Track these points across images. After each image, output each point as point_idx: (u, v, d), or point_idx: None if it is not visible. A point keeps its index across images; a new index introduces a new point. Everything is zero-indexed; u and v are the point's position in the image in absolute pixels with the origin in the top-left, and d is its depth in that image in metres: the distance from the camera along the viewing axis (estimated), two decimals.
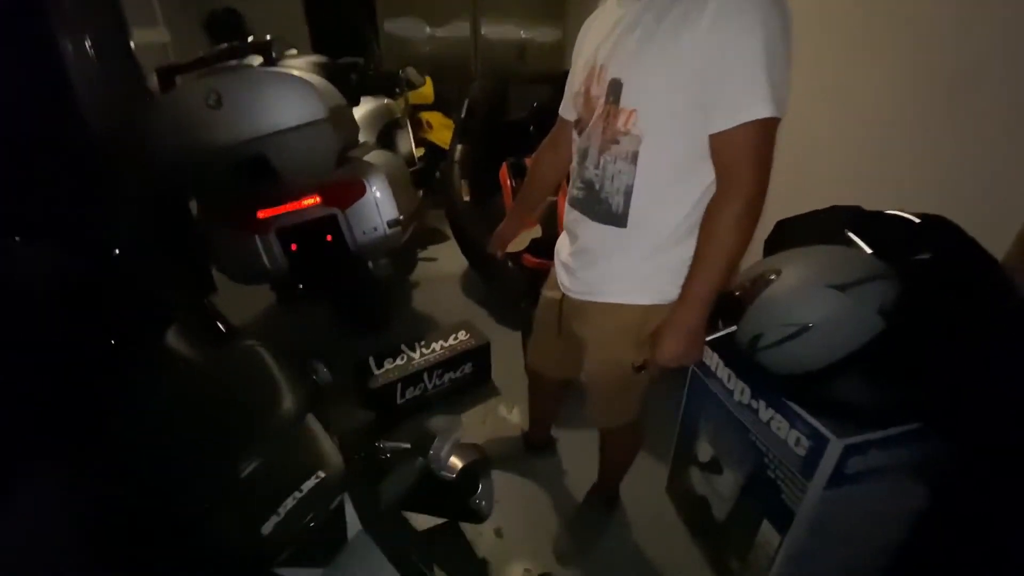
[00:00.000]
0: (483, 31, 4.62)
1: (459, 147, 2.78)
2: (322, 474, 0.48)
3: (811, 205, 1.32)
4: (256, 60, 1.75)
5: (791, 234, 1.32)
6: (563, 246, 1.12)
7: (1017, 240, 1.18)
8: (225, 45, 1.81)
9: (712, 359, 1.24)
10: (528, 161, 2.44)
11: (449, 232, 2.98)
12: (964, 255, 1.05)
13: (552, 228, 2.11)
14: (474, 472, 0.94)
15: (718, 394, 1.23)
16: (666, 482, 1.58)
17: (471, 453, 0.96)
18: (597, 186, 0.93)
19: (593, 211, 0.96)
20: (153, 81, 1.80)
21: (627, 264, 0.96)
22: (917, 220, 1.12)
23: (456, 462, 0.95)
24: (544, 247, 2.22)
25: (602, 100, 0.87)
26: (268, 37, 1.76)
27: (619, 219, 0.92)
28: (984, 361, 0.93)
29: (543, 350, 1.34)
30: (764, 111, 0.73)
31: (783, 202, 1.80)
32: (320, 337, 2.39)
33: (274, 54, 1.74)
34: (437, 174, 3.53)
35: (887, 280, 0.93)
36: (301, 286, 2.15)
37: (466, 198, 2.66)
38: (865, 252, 1.03)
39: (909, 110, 1.49)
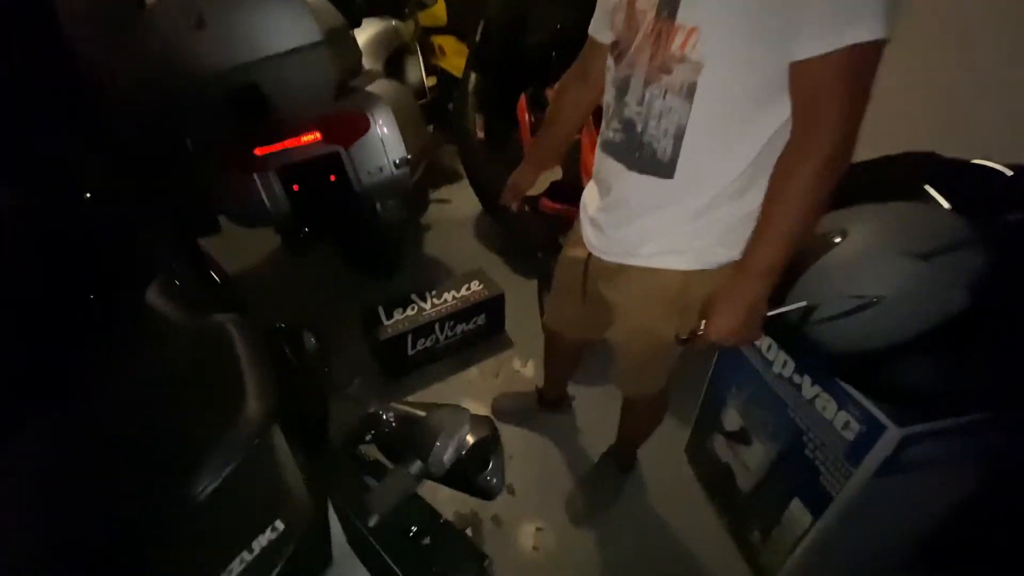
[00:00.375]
0: None
1: (472, 76, 2.53)
2: (280, 526, 0.39)
3: (880, 147, 1.13)
4: None
5: (857, 184, 1.13)
6: (591, 199, 0.96)
7: None
8: None
9: None
10: (549, 93, 2.21)
11: (462, 171, 2.80)
12: None
13: (574, 169, 1.93)
14: (484, 449, 0.87)
15: (754, 363, 1.12)
16: (686, 442, 1.51)
17: (481, 428, 0.88)
18: (639, 127, 0.76)
19: (632, 158, 0.79)
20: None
21: (670, 222, 0.81)
22: (1010, 172, 0.94)
23: (468, 439, 0.87)
24: (565, 190, 2.05)
25: (651, 15, 0.68)
26: None
27: (665, 168, 0.76)
28: None
29: (563, 311, 1.22)
30: (873, 31, 0.56)
31: None
32: (328, 283, 2.31)
33: None
34: (450, 106, 3.29)
35: (977, 248, 0.77)
36: (306, 229, 2.04)
37: (480, 135, 2.44)
38: (949, 212, 0.86)
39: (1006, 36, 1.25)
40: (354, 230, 2.10)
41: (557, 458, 1.55)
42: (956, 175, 0.99)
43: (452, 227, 2.76)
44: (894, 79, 1.48)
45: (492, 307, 1.92)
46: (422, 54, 3.15)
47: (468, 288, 1.91)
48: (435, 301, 1.85)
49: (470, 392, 1.79)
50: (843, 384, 0.89)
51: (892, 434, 0.82)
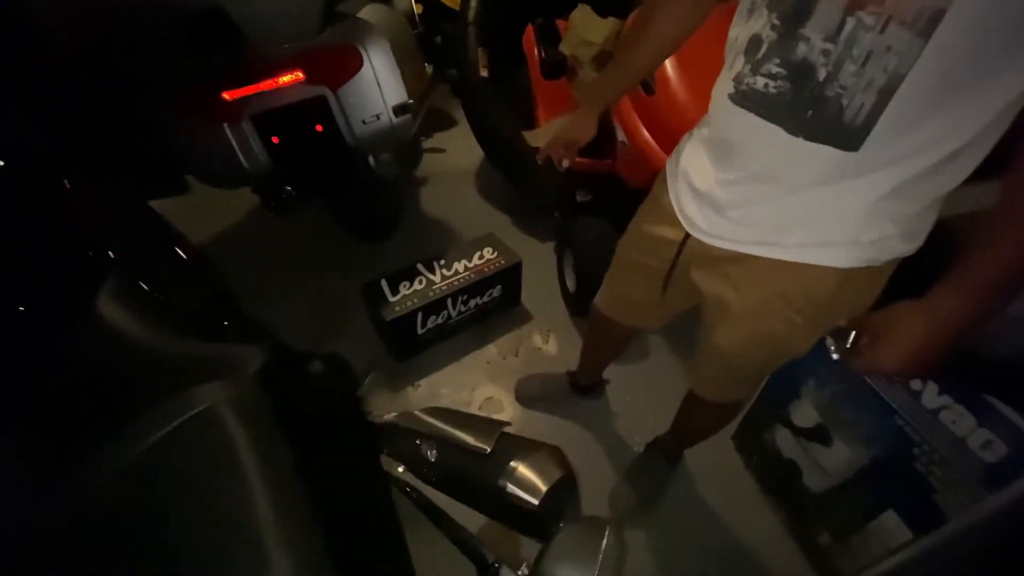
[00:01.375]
0: None
1: (473, 4, 2.16)
2: None
3: None
4: None
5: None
6: (698, 166, 0.73)
7: None
8: None
9: None
10: (561, 23, 1.90)
11: (458, 115, 2.48)
12: None
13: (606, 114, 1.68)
14: (560, 495, 0.70)
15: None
16: (735, 429, 1.38)
17: (553, 468, 0.70)
18: (822, 74, 0.53)
19: (801, 118, 0.56)
20: None
21: (840, 206, 0.60)
22: None
23: (538, 483, 0.70)
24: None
25: None
26: None
27: (851, 136, 0.53)
28: None
29: (629, 297, 1.01)
30: None
31: None
32: (318, 250, 2.05)
33: None
34: (438, 38, 2.90)
35: None
36: (288, 189, 1.75)
37: (484, 73, 2.12)
38: None
39: None
40: (345, 188, 1.82)
41: (595, 449, 1.41)
42: None
43: (451, 180, 2.48)
44: None
45: (509, 277, 1.71)
46: None
47: (481, 256, 1.69)
48: (445, 272, 1.63)
49: (489, 373, 1.61)
50: (989, 397, 0.73)
51: None
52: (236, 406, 0.39)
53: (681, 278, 0.83)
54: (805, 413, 1.10)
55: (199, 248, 1.34)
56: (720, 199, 0.68)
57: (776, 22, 0.55)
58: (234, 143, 1.50)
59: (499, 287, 1.70)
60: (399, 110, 1.51)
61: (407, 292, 1.57)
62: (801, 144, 0.57)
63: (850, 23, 0.49)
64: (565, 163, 1.02)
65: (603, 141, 1.57)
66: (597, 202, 1.72)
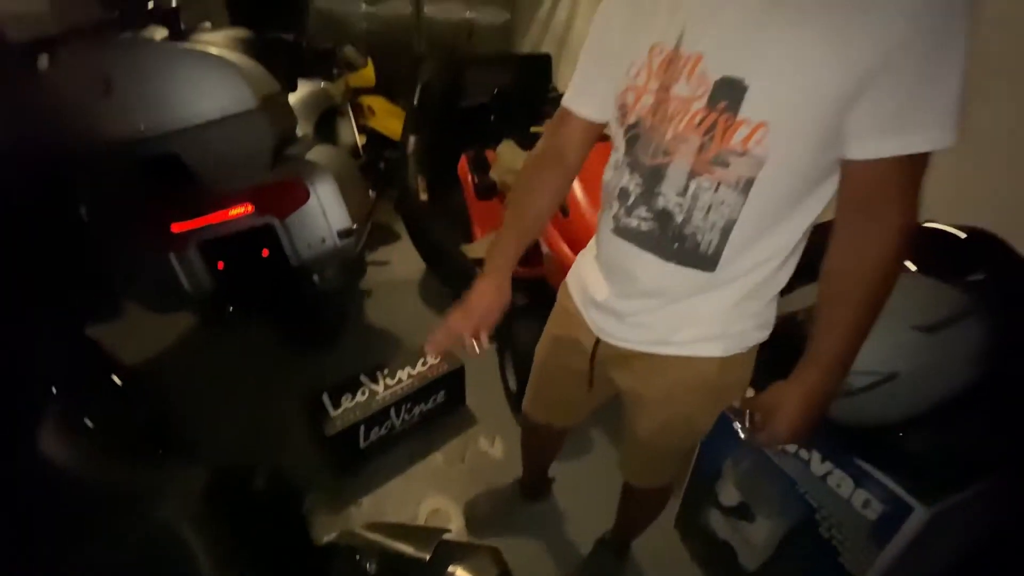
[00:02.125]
0: (425, 9, 4.25)
1: (412, 138, 2.46)
2: None
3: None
4: (159, 33, 1.37)
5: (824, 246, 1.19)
6: (596, 283, 0.86)
7: None
8: (116, 12, 1.40)
9: (748, 391, 1.08)
10: (489, 153, 2.19)
11: (400, 230, 2.68)
12: (1017, 274, 0.94)
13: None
14: None
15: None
16: (675, 518, 1.43)
17: (491, 568, 0.73)
18: (679, 219, 0.68)
19: (668, 249, 0.71)
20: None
21: (709, 310, 0.75)
22: (962, 235, 1.00)
23: None
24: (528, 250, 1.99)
25: (701, 105, 0.61)
26: (174, 3, 1.38)
27: (707, 261, 0.69)
28: None
29: (556, 400, 1.09)
30: (949, 138, 0.54)
31: None
32: (257, 364, 2.03)
33: (183, 26, 1.37)
34: (381, 165, 3.19)
35: (976, 318, 0.79)
36: (231, 308, 1.79)
37: (423, 196, 2.36)
38: (942, 284, 0.88)
39: None
40: (289, 305, 1.88)
41: (546, 551, 1.40)
42: (917, 237, 1.05)
43: (395, 290, 2.60)
44: None
45: (452, 382, 1.77)
46: (352, 115, 3.06)
47: (424, 363, 1.75)
48: (388, 382, 1.67)
49: (437, 484, 1.60)
50: (859, 461, 0.86)
51: (920, 514, 0.79)
52: (182, 528, 0.43)
53: (600, 374, 0.94)
54: (728, 492, 1.18)
55: (134, 370, 1.33)
56: (617, 309, 0.81)
57: (639, 180, 0.71)
58: (179, 270, 1.56)
59: (443, 392, 1.75)
60: (343, 234, 1.65)
61: (349, 405, 1.58)
62: (673, 267, 0.72)
63: (693, 185, 0.66)
64: (473, 347, 0.84)
65: (534, 250, 1.77)
66: (533, 305, 1.87)
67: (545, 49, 3.96)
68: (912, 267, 0.96)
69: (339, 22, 4.13)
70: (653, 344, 0.80)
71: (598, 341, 0.88)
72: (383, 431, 1.63)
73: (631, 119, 0.70)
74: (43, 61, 1.28)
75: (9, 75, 1.36)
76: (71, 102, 1.22)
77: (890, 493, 0.82)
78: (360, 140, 3.07)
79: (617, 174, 0.76)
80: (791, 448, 0.99)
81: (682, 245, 0.70)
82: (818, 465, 0.93)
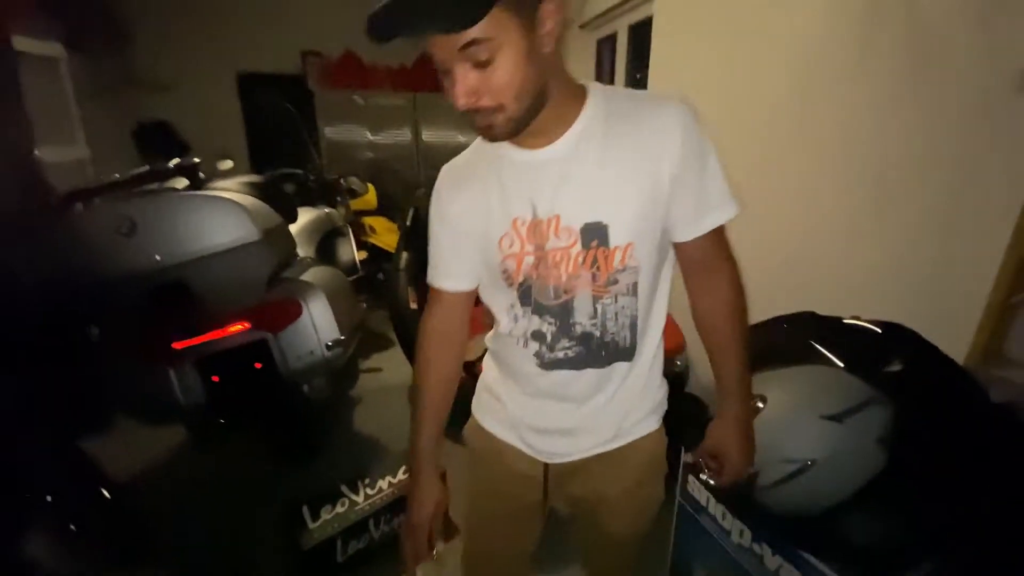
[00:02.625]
0: (424, 136, 4.82)
1: (404, 255, 2.70)
2: None
3: (755, 307, 1.31)
4: (181, 183, 1.63)
5: (758, 343, 1.29)
6: (535, 414, 0.89)
7: (975, 341, 1.20)
8: (145, 168, 1.67)
9: (701, 493, 1.12)
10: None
11: (394, 337, 2.81)
12: (931, 363, 1.03)
13: None
14: None
15: (713, 534, 1.10)
16: None
17: None
18: (598, 333, 0.81)
19: (597, 360, 0.82)
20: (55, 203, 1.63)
21: (638, 390, 0.86)
22: (879, 329, 1.11)
23: None
24: None
25: (579, 248, 0.76)
26: (195, 159, 1.65)
27: (628, 353, 0.83)
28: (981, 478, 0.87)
29: (506, 557, 1.05)
30: (733, 211, 0.78)
31: None
32: (242, 473, 2.05)
33: (202, 175, 1.63)
34: (380, 276, 3.42)
35: (878, 404, 0.87)
36: (222, 421, 1.86)
37: (413, 305, 2.52)
38: (846, 374, 0.98)
39: (839, 210, 1.58)
40: (277, 416, 1.95)
41: None
42: (837, 333, 1.16)
43: (384, 397, 2.66)
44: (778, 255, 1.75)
45: None
46: (354, 232, 3.35)
47: (405, 471, 1.77)
48: (368, 491, 1.68)
49: None
50: (800, 552, 0.89)
51: None
52: None
53: (553, 495, 0.96)
54: None
55: (119, 483, 1.38)
56: (567, 427, 0.88)
57: (550, 319, 0.80)
58: (176, 384, 1.67)
59: None
60: (332, 345, 1.78)
61: (328, 516, 1.58)
62: (605, 369, 0.83)
63: (599, 306, 0.79)
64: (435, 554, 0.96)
65: None
66: None
67: None
68: (837, 361, 1.07)
69: (347, 151, 4.67)
70: (607, 443, 0.88)
71: (546, 466, 0.92)
72: (361, 544, 1.60)
73: (520, 279, 0.80)
74: (78, 207, 1.52)
75: (47, 219, 1.60)
76: (98, 241, 1.42)
77: None
78: (360, 256, 3.34)
79: (522, 322, 0.83)
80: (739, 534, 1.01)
81: (607, 351, 0.82)
82: (770, 559, 0.94)
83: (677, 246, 0.81)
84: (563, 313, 0.81)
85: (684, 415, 1.06)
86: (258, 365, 1.74)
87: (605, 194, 0.74)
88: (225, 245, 1.52)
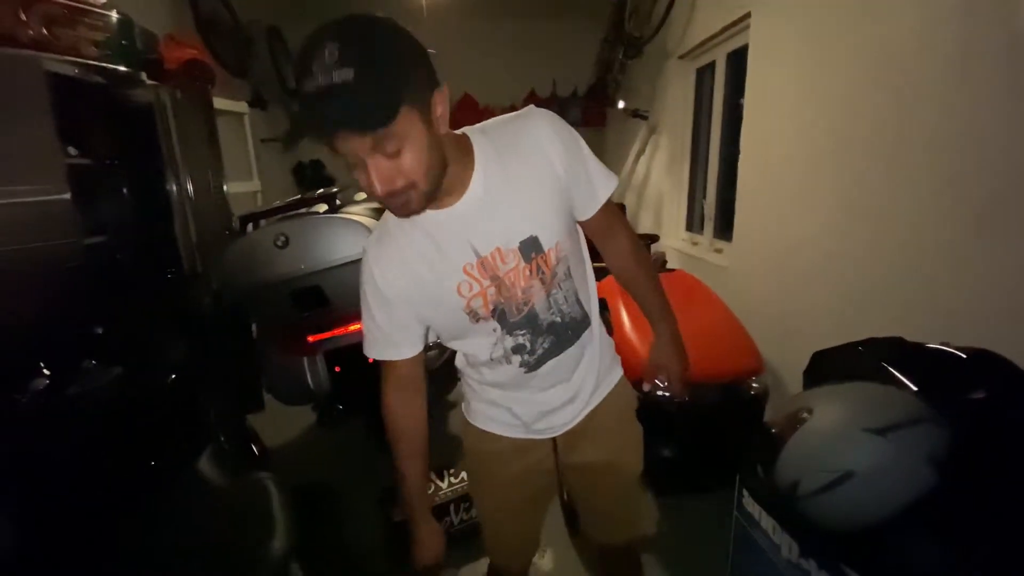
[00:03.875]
0: None
1: None
2: None
3: (848, 334, 1.27)
4: (322, 208, 2.03)
5: (829, 366, 1.26)
6: (543, 401, 1.01)
7: None
8: (298, 196, 2.12)
9: (754, 507, 1.13)
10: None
11: None
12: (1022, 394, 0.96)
13: None
14: None
15: (765, 549, 1.09)
16: None
17: None
18: (559, 318, 0.94)
19: (567, 339, 0.96)
20: (236, 224, 2.12)
21: (599, 348, 1.03)
22: (964, 355, 1.05)
23: None
24: None
25: (521, 265, 0.87)
26: (334, 189, 2.05)
27: (584, 321, 0.99)
28: None
29: (525, 534, 1.19)
30: (613, 184, 0.98)
31: (821, 332, 1.74)
32: (355, 456, 2.38)
33: (338, 202, 2.01)
34: None
35: (932, 423, 0.85)
36: (341, 407, 2.21)
37: None
38: (906, 392, 0.95)
39: (941, 235, 1.47)
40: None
41: None
42: (916, 357, 1.11)
43: None
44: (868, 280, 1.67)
45: None
46: None
47: None
48: (452, 480, 1.88)
49: None
50: (847, 569, 0.88)
51: None
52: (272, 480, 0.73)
53: (569, 463, 1.08)
54: None
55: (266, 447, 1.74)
56: (567, 398, 1.01)
57: (523, 331, 0.92)
58: (307, 371, 2.04)
59: None
60: (428, 347, 2.03)
61: None
62: (575, 343, 0.98)
63: (551, 300, 0.92)
64: None
65: None
66: None
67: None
68: (911, 385, 1.03)
69: None
70: (595, 397, 1.05)
71: (555, 444, 1.05)
72: (442, 527, 1.78)
73: (491, 307, 0.89)
74: (250, 227, 1.99)
75: (229, 236, 2.09)
76: (261, 252, 1.84)
77: None
78: None
79: (500, 344, 0.93)
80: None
81: (572, 328, 0.97)
82: (816, 573, 0.94)
83: (583, 223, 0.98)
84: (530, 320, 0.92)
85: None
86: (371, 360, 2.05)
87: (524, 212, 0.87)
88: (351, 257, 1.86)
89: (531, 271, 0.88)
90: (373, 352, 0.99)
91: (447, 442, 2.53)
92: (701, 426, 1.72)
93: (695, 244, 3.39)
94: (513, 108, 4.21)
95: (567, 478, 1.13)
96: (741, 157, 2.55)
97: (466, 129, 0.89)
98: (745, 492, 1.18)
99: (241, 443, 1.49)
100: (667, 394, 1.12)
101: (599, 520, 1.21)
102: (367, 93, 0.63)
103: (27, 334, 1.30)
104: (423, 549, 1.08)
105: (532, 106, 0.91)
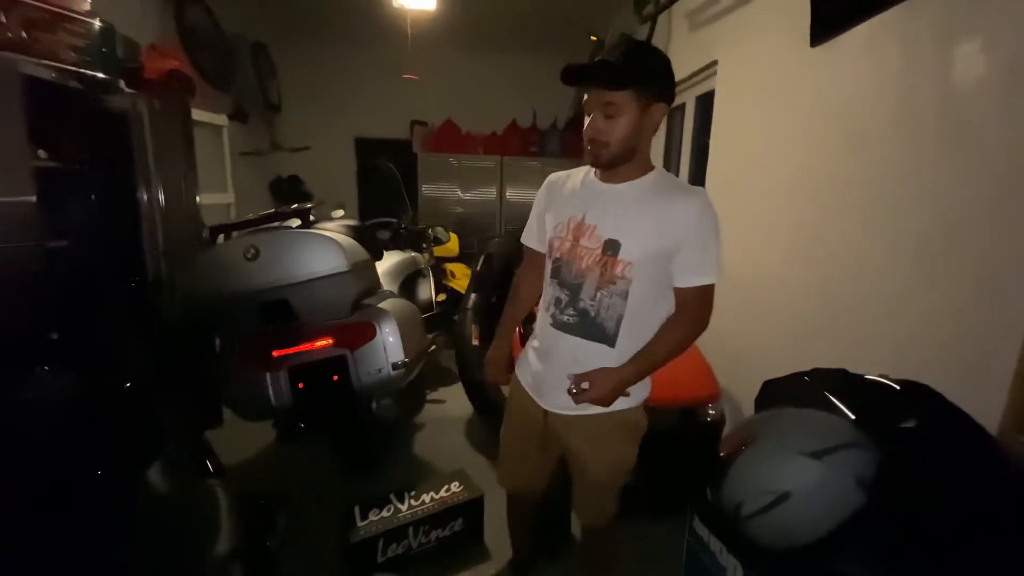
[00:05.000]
0: (507, 194, 5.24)
1: (473, 296, 2.98)
2: None
3: (796, 364, 1.34)
4: (295, 222, 2.04)
5: (777, 394, 1.32)
6: (540, 366, 1.25)
7: (1008, 408, 1.15)
8: (271, 210, 2.12)
9: (703, 530, 1.16)
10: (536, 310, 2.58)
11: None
12: (951, 424, 1.03)
13: None
14: None
15: (713, 572, 1.12)
16: None
17: None
18: (593, 314, 1.14)
19: (587, 332, 1.15)
20: (206, 234, 2.11)
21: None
22: (897, 387, 1.12)
23: None
24: None
25: (597, 252, 1.11)
26: (308, 204, 2.07)
27: (609, 339, 1.14)
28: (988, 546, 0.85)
29: (521, 468, 1.46)
30: (714, 279, 1.10)
31: (776, 363, 1.82)
32: (313, 475, 2.32)
33: (312, 217, 2.03)
34: (456, 317, 3.72)
35: (862, 448, 0.90)
36: (302, 425, 2.16)
37: (475, 342, 2.76)
38: (842, 418, 1.01)
39: (885, 271, 1.57)
40: (347, 426, 2.22)
41: None
42: (855, 388, 1.18)
43: (443, 426, 2.87)
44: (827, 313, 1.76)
45: (471, 510, 1.90)
46: (435, 276, 3.72)
47: (448, 489, 1.93)
48: (412, 502, 1.86)
49: None
50: None
51: None
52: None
53: (551, 442, 1.32)
54: None
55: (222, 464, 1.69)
56: (549, 383, 1.20)
57: (566, 292, 1.15)
58: (270, 387, 2.00)
59: (461, 520, 1.88)
60: (396, 366, 2.03)
61: (374, 518, 1.77)
62: (590, 343, 1.13)
63: (598, 295, 1.10)
64: (500, 378, 1.46)
65: None
66: None
67: None
68: (849, 413, 1.10)
69: (440, 206, 5.20)
70: (588, 407, 1.15)
71: (546, 413, 1.24)
72: (400, 549, 1.76)
73: (556, 255, 1.20)
74: (220, 239, 1.97)
75: (199, 246, 2.06)
76: (230, 263, 1.83)
77: None
78: (440, 297, 3.69)
79: (550, 289, 1.22)
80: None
81: (596, 329, 1.13)
82: None
83: (674, 290, 1.12)
84: (575, 289, 1.14)
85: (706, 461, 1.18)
86: (335, 378, 2.03)
87: (629, 227, 1.09)
88: (322, 272, 1.87)
89: (598, 262, 1.10)
90: (524, 238, 1.37)
91: (410, 463, 2.50)
92: (658, 450, 1.75)
93: None
94: (494, 135, 4.33)
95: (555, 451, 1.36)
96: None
97: (658, 166, 1.16)
98: (695, 517, 1.21)
99: (197, 457, 1.45)
100: (572, 390, 1.14)
101: (575, 497, 1.41)
102: (617, 69, 1.02)
103: None
104: (497, 349, 1.45)
105: (703, 188, 1.10)
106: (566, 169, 1.31)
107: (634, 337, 1.13)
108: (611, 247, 1.09)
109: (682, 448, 1.75)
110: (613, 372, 1.14)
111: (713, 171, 2.61)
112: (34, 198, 1.46)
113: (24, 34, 1.65)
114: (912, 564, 0.84)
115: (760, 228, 2.16)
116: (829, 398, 1.14)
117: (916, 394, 1.09)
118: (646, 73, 1.05)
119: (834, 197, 1.77)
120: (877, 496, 0.87)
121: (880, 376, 1.19)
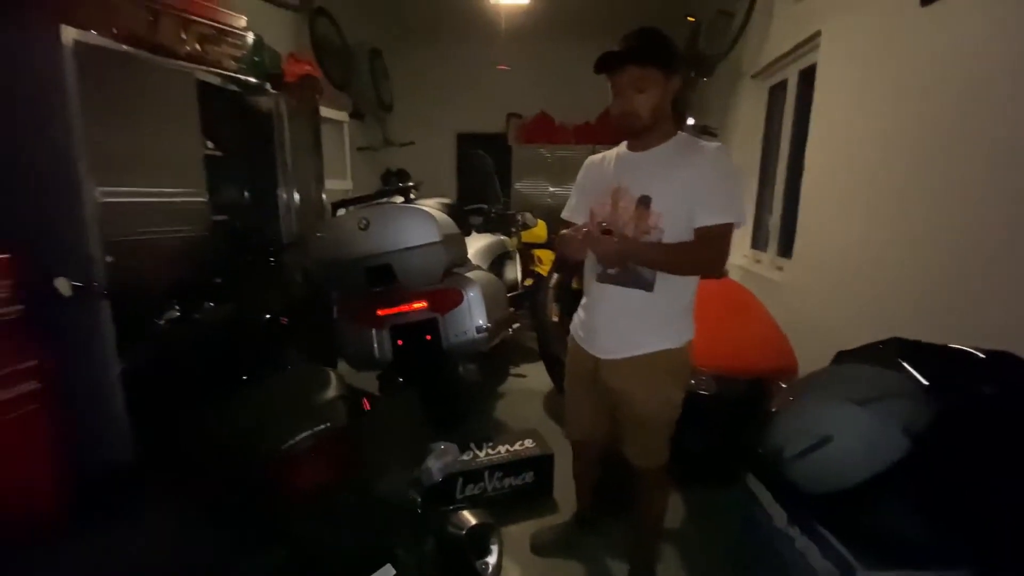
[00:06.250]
0: None
1: (555, 276, 3.11)
2: None
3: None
4: (399, 199, 2.33)
5: (849, 361, 1.30)
6: (592, 320, 1.37)
7: None
8: (380, 189, 2.45)
9: (756, 484, 1.20)
10: None
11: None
12: None
13: None
14: (484, 534, 1.01)
15: (762, 522, 1.16)
16: None
17: (484, 516, 1.04)
18: (632, 264, 1.26)
19: (628, 280, 1.27)
20: (328, 208, 2.49)
21: (656, 320, 1.27)
22: (982, 355, 1.07)
23: (469, 519, 1.03)
24: None
25: (632, 206, 1.24)
26: (411, 183, 2.35)
27: (648, 284, 1.25)
28: None
29: (582, 417, 1.55)
30: (729, 219, 1.18)
31: (848, 335, 1.73)
32: (405, 422, 2.62)
33: (413, 196, 2.30)
34: (538, 297, 3.89)
35: (911, 399, 0.90)
36: (401, 379, 2.46)
37: (554, 319, 2.89)
38: (891, 372, 1.00)
39: (974, 247, 1.44)
40: (436, 383, 2.49)
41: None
42: (932, 355, 1.13)
43: (523, 397, 3.04)
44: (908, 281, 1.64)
45: (541, 465, 2.05)
46: (523, 262, 3.92)
47: (521, 444, 2.10)
48: (489, 451, 2.05)
49: (508, 546, 1.81)
50: (820, 528, 0.94)
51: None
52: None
53: (603, 388, 1.40)
54: None
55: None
56: (607, 329, 1.32)
57: None
58: (375, 342, 2.32)
59: (532, 472, 2.03)
60: (479, 330, 2.24)
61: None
62: (631, 291, 1.24)
63: None
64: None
65: None
66: None
67: None
68: (921, 377, 1.07)
69: (530, 198, 5.40)
70: (633, 349, 1.28)
71: (597, 362, 1.36)
72: (476, 490, 1.96)
73: (598, 219, 1.33)
74: (340, 211, 2.33)
75: (320, 221, 2.44)
76: (346, 232, 2.16)
77: (839, 555, 0.88)
78: (528, 282, 3.88)
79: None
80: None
81: (635, 276, 1.24)
82: (799, 539, 1.00)
83: (694, 231, 1.20)
84: None
85: None
86: (428, 337, 2.29)
87: (659, 184, 1.22)
88: (418, 242, 2.13)
89: (634, 216, 1.24)
90: (565, 213, 1.48)
91: (489, 423, 2.71)
92: (727, 419, 1.75)
93: (758, 262, 3.34)
94: (588, 125, 4.42)
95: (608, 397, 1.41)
96: (805, 175, 2.54)
97: (679, 131, 1.30)
98: (749, 473, 1.25)
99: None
100: (581, 234, 1.23)
101: (627, 441, 1.44)
102: (638, 49, 1.19)
103: (168, 284, 1.69)
104: (565, 239, 1.38)
105: (719, 143, 1.28)
106: None
107: (668, 280, 1.25)
108: (644, 202, 1.23)
109: (752, 418, 1.74)
110: (632, 240, 1.24)
111: (813, 152, 2.48)
112: (206, 198, 1.89)
113: (199, 47, 2.09)
114: (951, 524, 0.83)
115: (856, 209, 2.03)
116: (902, 363, 1.12)
117: (1002, 362, 1.04)
118: (664, 49, 1.22)
119: (934, 176, 1.64)
120: (926, 447, 0.86)
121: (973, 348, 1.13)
